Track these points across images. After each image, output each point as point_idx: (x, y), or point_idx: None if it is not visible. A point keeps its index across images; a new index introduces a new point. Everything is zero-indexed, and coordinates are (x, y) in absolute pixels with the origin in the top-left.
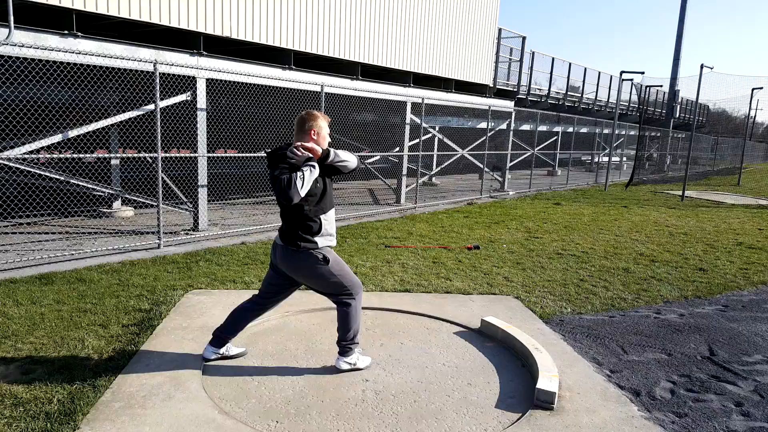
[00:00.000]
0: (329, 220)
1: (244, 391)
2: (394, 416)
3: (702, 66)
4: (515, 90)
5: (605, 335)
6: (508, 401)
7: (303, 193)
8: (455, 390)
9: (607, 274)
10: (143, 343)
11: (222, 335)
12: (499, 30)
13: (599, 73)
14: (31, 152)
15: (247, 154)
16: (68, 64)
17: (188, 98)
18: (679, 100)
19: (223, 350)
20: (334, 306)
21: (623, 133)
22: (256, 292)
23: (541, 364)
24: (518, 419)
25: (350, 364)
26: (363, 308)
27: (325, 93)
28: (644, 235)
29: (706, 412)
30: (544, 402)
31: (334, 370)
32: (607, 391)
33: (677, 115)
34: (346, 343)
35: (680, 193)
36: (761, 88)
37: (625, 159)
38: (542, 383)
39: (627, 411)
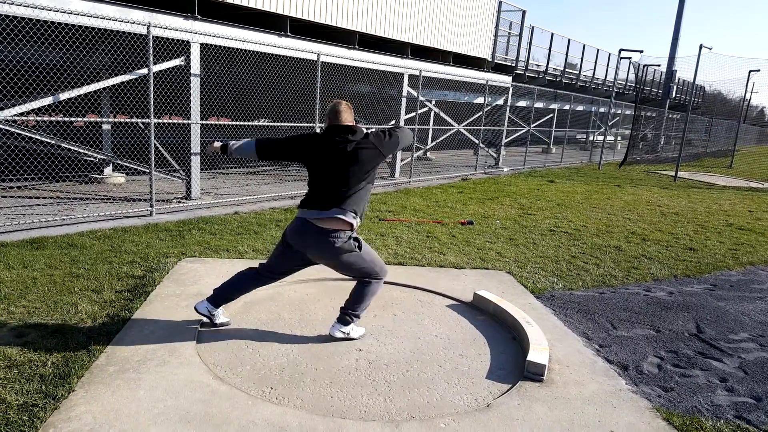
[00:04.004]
0: None
1: (239, 357)
2: (386, 385)
3: (701, 46)
4: (513, 65)
5: (595, 311)
6: (498, 372)
7: None
8: (447, 361)
9: (599, 252)
10: (137, 309)
11: (221, 295)
12: (499, 3)
13: (597, 50)
14: (21, 115)
15: (241, 123)
16: (59, 24)
17: (182, 63)
18: (676, 80)
19: (214, 311)
20: (328, 277)
21: (619, 112)
22: (250, 261)
23: (531, 337)
24: (508, 390)
25: (344, 333)
26: None
27: (322, 62)
28: (636, 214)
29: (692, 387)
30: (534, 374)
31: (328, 339)
32: (595, 365)
33: (673, 96)
34: (352, 312)
35: (673, 173)
36: (758, 70)
37: (619, 138)
38: (532, 356)
39: (615, 384)
